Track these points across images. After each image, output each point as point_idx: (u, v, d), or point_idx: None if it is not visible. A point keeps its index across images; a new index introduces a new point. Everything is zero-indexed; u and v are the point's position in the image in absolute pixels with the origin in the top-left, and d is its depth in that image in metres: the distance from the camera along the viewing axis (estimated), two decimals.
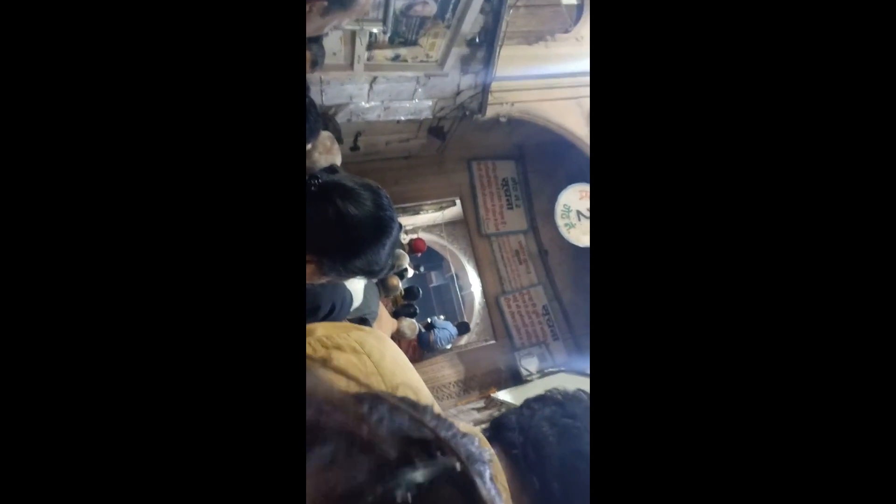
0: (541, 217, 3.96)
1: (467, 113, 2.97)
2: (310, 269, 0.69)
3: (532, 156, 3.99)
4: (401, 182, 3.69)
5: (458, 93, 2.79)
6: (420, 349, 3.51)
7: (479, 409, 3.15)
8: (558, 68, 2.80)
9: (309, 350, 0.54)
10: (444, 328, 3.69)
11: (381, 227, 0.68)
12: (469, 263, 4.42)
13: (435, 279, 6.64)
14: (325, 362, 0.53)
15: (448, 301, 6.35)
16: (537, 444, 0.47)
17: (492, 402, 3.19)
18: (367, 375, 0.53)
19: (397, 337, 3.13)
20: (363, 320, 1.33)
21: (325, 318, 1.07)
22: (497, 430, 0.51)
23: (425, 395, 0.55)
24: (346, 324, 0.61)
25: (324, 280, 0.73)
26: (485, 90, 2.76)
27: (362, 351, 0.55)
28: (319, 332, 0.57)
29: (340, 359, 0.53)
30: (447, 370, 3.61)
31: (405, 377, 0.57)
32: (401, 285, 3.36)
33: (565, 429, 0.48)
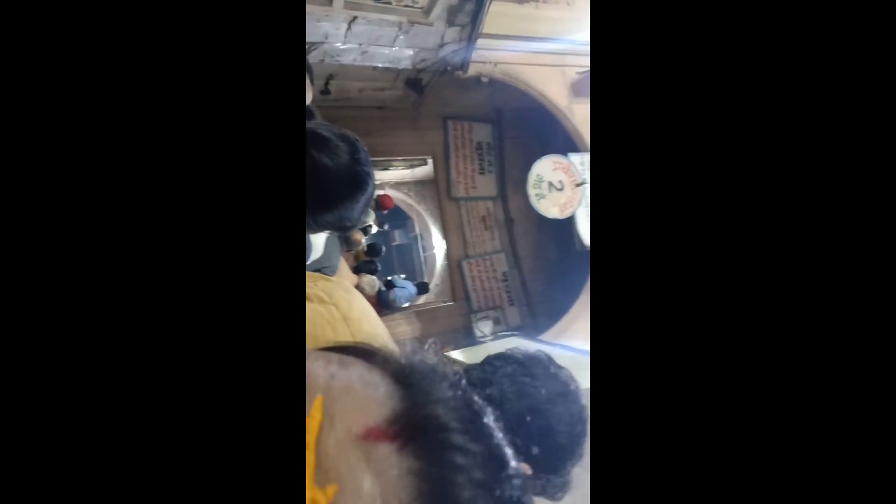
0: (511, 185, 3.97)
1: (448, 68, 2.85)
2: None
3: (510, 121, 3.94)
4: (372, 134, 3.55)
5: (442, 45, 2.67)
6: (378, 307, 3.52)
7: None
8: (546, 30, 2.73)
9: None
10: (404, 287, 3.71)
11: (356, 181, 0.64)
12: (435, 225, 4.40)
13: (398, 238, 6.59)
14: None
15: (409, 260, 6.35)
16: (498, 400, 0.48)
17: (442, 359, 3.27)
18: (334, 326, 0.51)
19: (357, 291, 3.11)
20: (321, 273, 1.30)
21: None
22: None
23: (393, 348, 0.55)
24: (312, 273, 0.59)
25: None
26: (469, 45, 2.65)
27: (329, 301, 0.53)
28: None
29: (308, 309, 0.51)
30: (403, 327, 3.66)
31: (374, 329, 0.56)
32: (364, 241, 3.31)
33: (524, 387, 0.49)
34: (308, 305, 0.51)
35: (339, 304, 0.53)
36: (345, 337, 0.50)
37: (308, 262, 1.14)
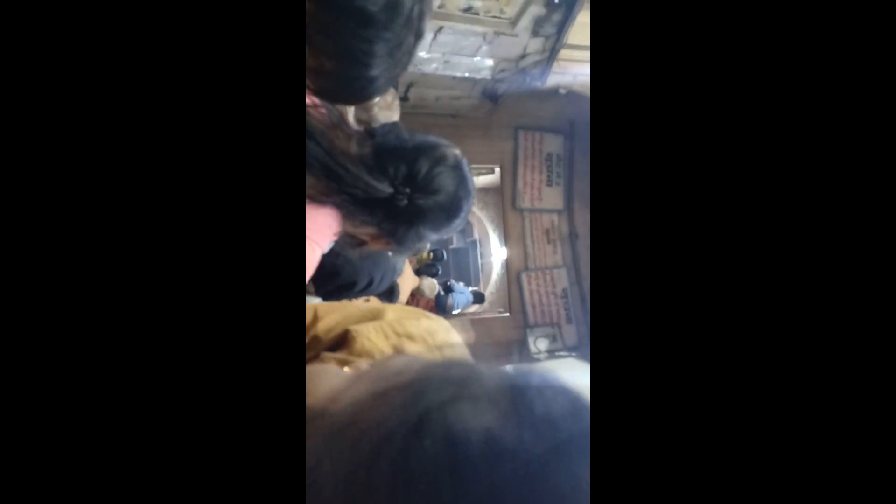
0: (579, 199, 3.84)
1: (528, 79, 2.81)
2: (378, 243, 0.66)
3: (582, 134, 3.81)
4: None
5: (523, 56, 2.63)
6: (436, 311, 3.55)
7: None
8: None
9: (381, 335, 0.52)
10: (463, 293, 3.71)
11: (460, 206, 0.65)
12: (495, 233, 4.36)
13: (455, 241, 6.62)
14: (397, 349, 0.51)
15: (464, 265, 6.35)
16: None
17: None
18: None
19: (417, 294, 3.16)
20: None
21: (361, 293, 1.05)
22: None
23: None
24: (414, 309, 0.59)
25: (385, 249, 0.69)
26: (551, 56, 2.59)
27: (433, 344, 0.53)
28: (390, 317, 0.55)
29: (412, 350, 0.51)
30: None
31: None
32: (429, 245, 3.35)
33: None
34: (413, 346, 0.51)
35: (442, 349, 0.52)
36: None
37: (393, 282, 1.15)
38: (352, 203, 0.60)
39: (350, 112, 1.53)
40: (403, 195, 0.60)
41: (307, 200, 0.60)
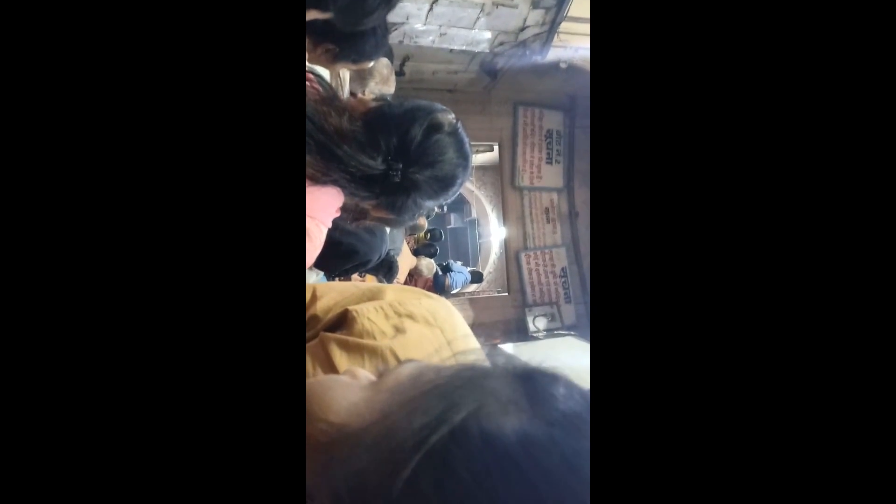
0: (579, 177, 3.80)
1: (527, 52, 2.73)
2: (381, 214, 0.65)
3: (583, 110, 3.74)
4: None
5: (523, 28, 2.55)
6: (434, 290, 3.55)
7: None
8: None
9: (381, 315, 0.50)
10: (461, 272, 3.71)
11: (456, 176, 0.63)
12: (493, 212, 4.33)
13: (453, 221, 6.58)
14: (398, 330, 0.49)
15: (462, 245, 6.34)
16: None
17: (494, 352, 3.26)
18: (439, 350, 0.50)
19: (414, 274, 3.15)
20: (388, 255, 1.31)
21: (374, 266, 1.05)
22: None
23: None
24: (413, 289, 0.57)
25: (385, 218, 0.67)
26: (552, 29, 2.52)
27: (435, 324, 0.51)
28: (390, 297, 0.53)
29: (413, 330, 0.49)
30: None
31: (469, 346, 0.54)
32: (426, 225, 3.32)
33: None
34: (415, 326, 0.50)
35: (444, 328, 0.51)
36: (446, 358, 0.48)
37: (384, 251, 1.15)
38: (349, 180, 0.58)
39: (345, 86, 1.49)
40: (396, 171, 0.58)
41: (309, 180, 0.59)
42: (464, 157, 0.62)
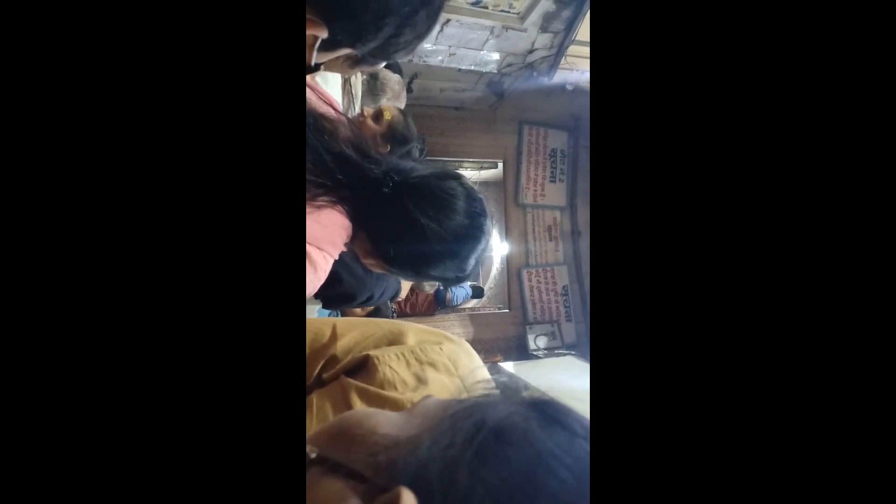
0: (581, 196, 3.81)
1: (534, 74, 2.76)
2: (372, 261, 0.62)
3: (586, 130, 3.77)
4: (446, 134, 3.54)
5: (531, 51, 2.58)
6: (435, 304, 3.53)
7: None
8: None
9: (403, 363, 0.50)
10: (462, 287, 3.69)
11: (471, 238, 0.57)
12: (495, 228, 4.33)
13: None
14: (419, 380, 0.49)
15: None
16: None
17: (495, 370, 3.24)
18: (458, 395, 0.49)
19: (416, 289, 3.13)
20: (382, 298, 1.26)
21: (360, 305, 1.02)
22: None
23: None
24: (435, 331, 0.57)
25: (382, 270, 0.64)
26: (559, 52, 2.55)
27: (455, 373, 0.51)
28: (412, 341, 0.53)
29: (435, 380, 0.49)
30: (457, 329, 3.65)
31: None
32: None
33: None
34: (437, 376, 0.49)
35: (464, 378, 0.50)
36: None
37: (377, 294, 1.10)
38: (350, 198, 0.56)
39: (357, 101, 1.50)
40: (390, 182, 0.55)
41: (317, 209, 0.57)
42: (472, 217, 0.56)
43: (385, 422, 0.28)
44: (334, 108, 0.66)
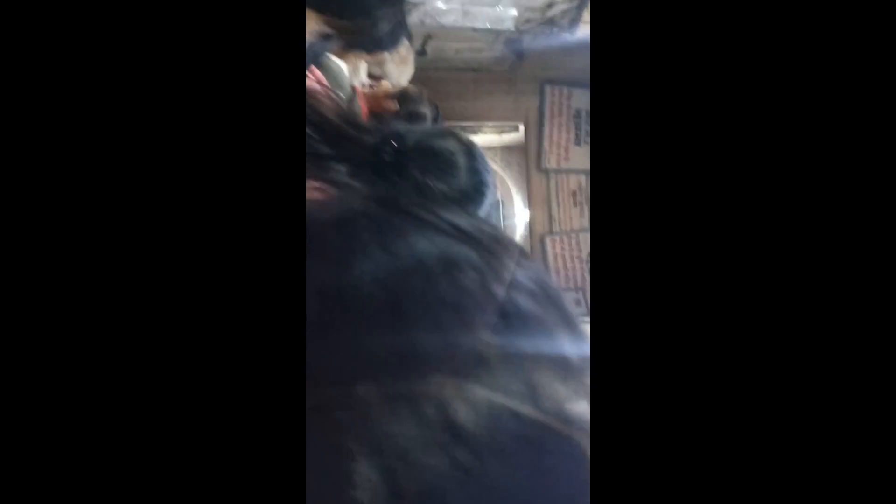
0: None
1: (555, 29, 2.60)
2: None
3: None
4: (464, 97, 3.42)
5: (550, 4, 2.41)
6: None
7: None
8: None
9: None
10: None
11: (477, 193, 0.59)
12: (518, 195, 4.24)
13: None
14: None
15: None
16: None
17: None
18: None
19: None
20: None
21: None
22: None
23: None
24: None
25: None
26: (581, 5, 2.37)
27: None
28: None
29: None
30: None
31: None
32: None
33: None
34: None
35: None
36: None
37: None
38: (335, 157, 0.54)
39: (362, 69, 1.45)
40: (388, 149, 0.54)
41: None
42: (475, 173, 0.58)
43: None
44: (319, 83, 0.65)
